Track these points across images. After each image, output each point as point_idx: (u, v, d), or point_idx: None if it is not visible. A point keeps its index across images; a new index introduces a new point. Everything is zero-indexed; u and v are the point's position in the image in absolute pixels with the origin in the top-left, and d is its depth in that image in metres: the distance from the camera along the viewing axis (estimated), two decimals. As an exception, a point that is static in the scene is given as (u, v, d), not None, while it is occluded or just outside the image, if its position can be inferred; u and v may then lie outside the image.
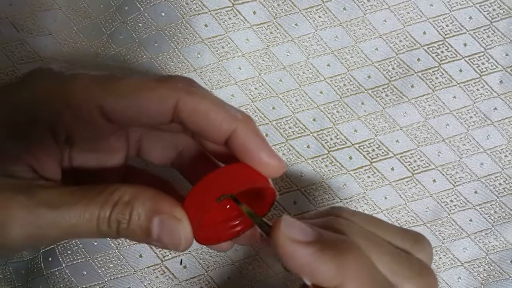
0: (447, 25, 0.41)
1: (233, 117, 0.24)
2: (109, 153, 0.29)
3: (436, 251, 0.39)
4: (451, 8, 0.41)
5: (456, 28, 0.41)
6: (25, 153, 0.24)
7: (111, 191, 0.23)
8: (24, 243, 0.22)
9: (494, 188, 0.40)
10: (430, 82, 0.40)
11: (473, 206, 0.40)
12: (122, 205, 0.23)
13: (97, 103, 0.24)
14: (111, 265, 0.35)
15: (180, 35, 0.38)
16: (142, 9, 0.37)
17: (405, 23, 0.40)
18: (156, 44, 0.38)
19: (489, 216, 0.40)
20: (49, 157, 0.25)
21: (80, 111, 0.24)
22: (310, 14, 0.40)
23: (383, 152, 0.39)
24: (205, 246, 0.37)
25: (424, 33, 0.40)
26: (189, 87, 0.24)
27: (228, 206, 0.26)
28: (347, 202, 0.39)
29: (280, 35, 0.39)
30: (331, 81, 0.40)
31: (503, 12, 0.41)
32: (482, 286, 0.39)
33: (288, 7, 0.39)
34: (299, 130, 0.39)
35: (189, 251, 0.37)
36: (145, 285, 0.36)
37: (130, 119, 0.25)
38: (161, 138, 0.30)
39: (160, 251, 0.36)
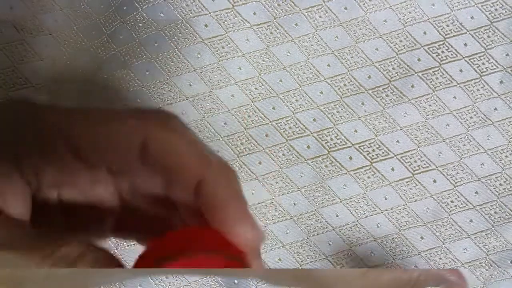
0: (447, 25, 0.41)
1: (206, 162, 0.21)
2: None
3: (436, 251, 0.39)
4: (453, 8, 0.41)
5: (456, 28, 0.41)
6: None
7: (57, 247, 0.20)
8: None
9: (494, 188, 0.40)
10: (431, 82, 0.40)
11: (474, 206, 0.40)
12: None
13: (63, 134, 0.22)
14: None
15: (180, 35, 0.38)
16: (141, 9, 0.37)
17: (406, 23, 0.40)
18: (156, 44, 0.38)
19: (489, 217, 0.40)
20: (14, 194, 0.22)
21: (47, 144, 0.22)
22: (311, 14, 0.40)
23: (383, 153, 0.39)
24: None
25: (425, 33, 0.40)
26: (162, 121, 0.22)
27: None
28: (347, 203, 0.39)
29: (280, 35, 0.39)
30: (331, 81, 0.39)
31: (505, 12, 0.41)
32: (483, 286, 0.39)
33: (288, 7, 0.39)
34: (299, 130, 0.39)
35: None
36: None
37: (98, 155, 0.22)
38: None
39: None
